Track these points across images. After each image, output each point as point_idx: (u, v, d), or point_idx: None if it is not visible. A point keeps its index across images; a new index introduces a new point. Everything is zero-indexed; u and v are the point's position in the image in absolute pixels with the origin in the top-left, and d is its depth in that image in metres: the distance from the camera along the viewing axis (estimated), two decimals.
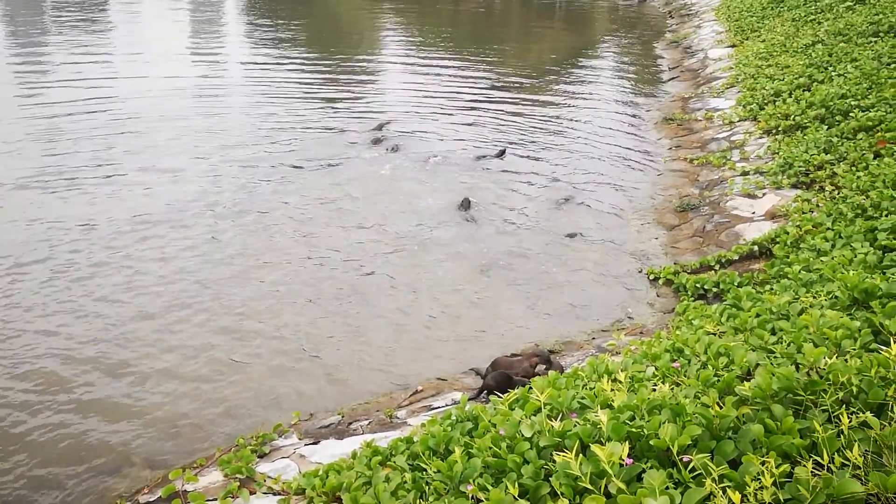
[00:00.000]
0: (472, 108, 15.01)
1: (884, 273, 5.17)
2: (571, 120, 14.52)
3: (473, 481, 3.06)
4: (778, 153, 10.40)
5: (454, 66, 19.48)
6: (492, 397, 4.94)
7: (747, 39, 18.16)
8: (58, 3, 31.65)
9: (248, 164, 11.53)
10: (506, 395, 3.93)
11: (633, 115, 14.90)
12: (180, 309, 7.58)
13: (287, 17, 28.47)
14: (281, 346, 7.06)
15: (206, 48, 22.43)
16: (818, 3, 18.13)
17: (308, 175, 11.23)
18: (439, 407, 5.83)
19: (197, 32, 25.01)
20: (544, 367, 6.14)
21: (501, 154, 12.16)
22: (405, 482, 3.51)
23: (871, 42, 13.31)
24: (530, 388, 3.81)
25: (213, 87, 16.87)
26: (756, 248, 7.96)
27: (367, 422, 5.80)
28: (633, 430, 2.88)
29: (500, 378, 5.92)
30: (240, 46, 23.09)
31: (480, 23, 30.36)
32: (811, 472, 2.44)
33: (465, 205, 10.18)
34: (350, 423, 5.83)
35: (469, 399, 5.24)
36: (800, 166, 9.55)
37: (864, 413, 2.68)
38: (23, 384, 6.36)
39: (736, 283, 7.20)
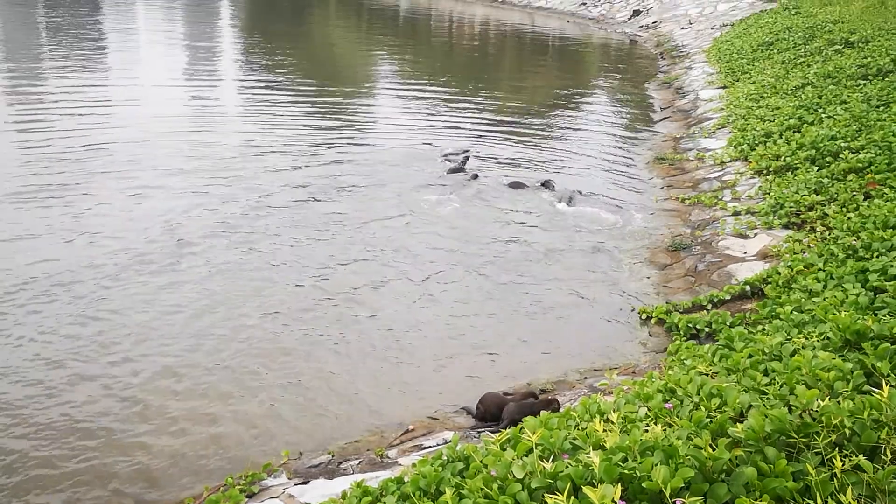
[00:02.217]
0: (455, 151, 15.04)
1: (875, 314, 5.18)
2: (563, 158, 14.63)
3: None
4: (769, 193, 10.48)
5: (445, 104, 19.65)
6: (483, 436, 4.90)
7: (738, 81, 18.40)
8: (52, 26, 31.97)
9: (239, 198, 11.54)
10: (497, 434, 3.89)
11: (625, 155, 15.02)
12: (169, 341, 7.53)
13: (281, 53, 28.72)
14: (271, 382, 7.00)
15: (202, 77, 22.64)
16: (807, 47, 18.42)
17: (309, 205, 11.26)
18: (430, 446, 5.78)
19: (193, 62, 25.23)
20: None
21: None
22: None
23: (859, 85, 13.51)
24: (522, 427, 3.79)
25: (208, 117, 17.10)
26: (748, 288, 7.98)
27: (357, 461, 5.74)
28: (626, 471, 2.85)
29: (525, 409, 5.91)
30: (234, 77, 23.35)
31: (474, 60, 30.71)
32: None
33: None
34: (340, 463, 5.77)
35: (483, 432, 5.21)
36: (791, 207, 9.62)
37: (857, 456, 2.67)
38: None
39: (728, 324, 7.20)
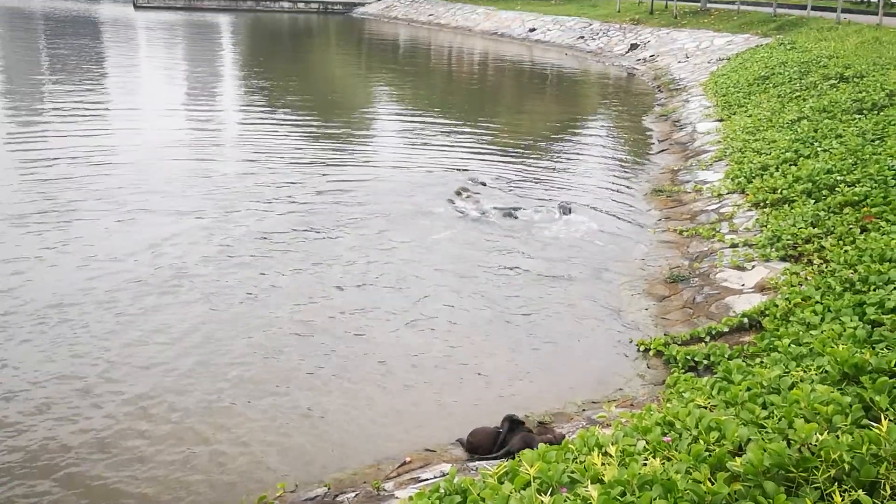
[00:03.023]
0: (454, 181, 15.10)
1: (873, 348, 5.18)
2: (561, 189, 14.67)
3: None
4: (766, 226, 10.51)
5: (443, 134, 19.77)
6: (480, 469, 4.87)
7: (734, 114, 18.54)
8: (54, 55, 32.27)
9: (235, 224, 11.56)
10: (494, 468, 3.87)
11: (623, 186, 15.08)
12: (161, 369, 7.50)
13: (282, 83, 28.97)
14: (266, 412, 6.96)
15: (202, 105, 22.88)
16: (803, 81, 18.59)
17: (306, 233, 11.27)
18: (428, 479, 5.74)
19: (194, 90, 25.44)
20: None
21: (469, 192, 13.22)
22: None
23: (855, 119, 13.61)
24: (520, 461, 3.77)
25: (207, 144, 17.37)
26: (746, 320, 7.98)
27: (353, 494, 5.69)
28: None
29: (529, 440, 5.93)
30: (235, 105, 23.62)
31: (473, 91, 30.96)
32: None
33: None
34: (336, 496, 5.72)
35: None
36: (788, 239, 9.64)
37: (856, 491, 2.66)
38: None
39: (727, 356, 7.18)
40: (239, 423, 6.79)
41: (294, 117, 22.17)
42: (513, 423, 6.52)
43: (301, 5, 74.82)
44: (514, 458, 4.14)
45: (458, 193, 13.47)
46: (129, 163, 15.29)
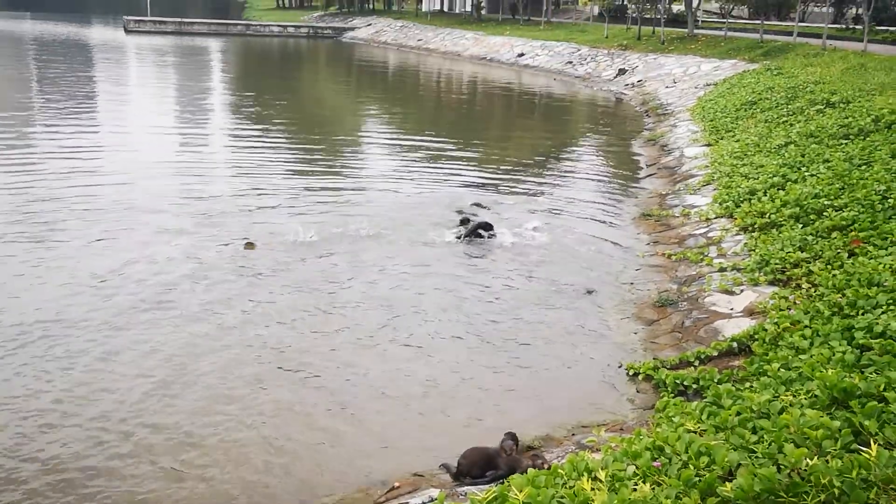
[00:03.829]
0: (445, 206, 15.13)
1: (862, 372, 5.18)
2: (548, 213, 14.70)
3: None
4: (754, 250, 10.55)
5: (430, 159, 19.82)
6: (469, 494, 4.82)
7: (722, 139, 18.68)
8: (45, 78, 32.28)
9: (224, 247, 11.52)
10: (483, 493, 3.83)
11: (612, 210, 15.13)
12: (153, 391, 7.43)
13: (271, 106, 29.04)
14: (254, 437, 6.90)
15: (192, 127, 22.91)
16: (790, 106, 18.77)
17: (294, 258, 11.24)
18: None
19: (183, 113, 25.46)
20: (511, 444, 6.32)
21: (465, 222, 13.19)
22: None
23: (841, 144, 13.74)
24: (509, 485, 3.73)
25: (197, 166, 17.60)
26: (735, 344, 7.97)
27: None
28: None
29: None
30: (224, 127, 23.68)
31: (461, 115, 31.12)
32: None
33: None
34: None
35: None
36: (776, 264, 9.68)
37: None
38: None
39: (716, 380, 7.16)
40: (226, 448, 6.71)
41: (283, 140, 22.24)
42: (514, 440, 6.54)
43: (291, 29, 75.37)
44: (503, 483, 4.11)
45: (445, 218, 13.45)
46: (116, 183, 15.43)
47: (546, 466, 5.60)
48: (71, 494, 5.98)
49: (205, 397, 7.49)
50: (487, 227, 12.94)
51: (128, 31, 65.13)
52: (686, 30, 42.26)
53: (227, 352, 8.45)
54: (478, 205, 14.88)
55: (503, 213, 14.49)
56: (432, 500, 5.51)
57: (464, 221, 13.40)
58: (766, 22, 38.67)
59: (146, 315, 9.25)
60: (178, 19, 70.75)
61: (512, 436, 6.59)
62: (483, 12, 68.54)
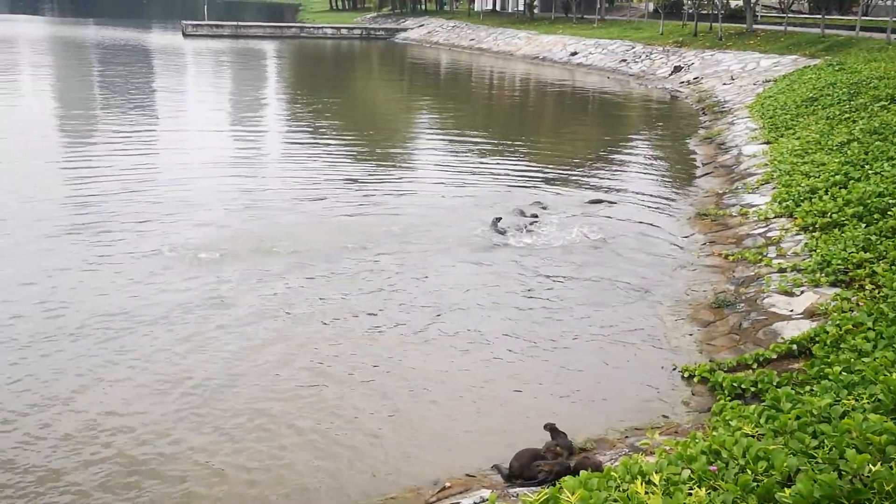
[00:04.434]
0: (494, 204, 15.06)
1: None
2: (603, 211, 14.56)
3: None
4: (815, 250, 10.29)
5: (483, 157, 19.81)
6: (521, 496, 4.80)
7: (782, 136, 18.27)
8: (106, 81, 33.22)
9: (275, 244, 11.69)
10: (535, 495, 3.80)
11: (666, 210, 14.92)
12: (200, 386, 7.57)
13: (324, 105, 29.37)
14: (305, 436, 6.97)
15: (246, 127, 23.53)
16: (852, 103, 18.27)
17: (343, 254, 11.35)
18: None
19: (238, 113, 25.97)
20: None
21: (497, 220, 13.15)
22: None
23: None
24: (560, 488, 3.70)
25: (249, 164, 18.30)
26: (795, 347, 7.78)
27: None
28: None
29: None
30: (278, 127, 24.23)
31: (514, 114, 31.06)
32: None
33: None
34: None
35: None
36: (838, 264, 9.42)
37: None
38: None
39: (775, 384, 7.01)
40: (278, 448, 6.80)
41: (335, 139, 22.50)
42: (553, 433, 6.54)
43: (344, 31, 76.09)
44: (554, 485, 4.08)
45: (498, 218, 13.41)
46: (173, 180, 16.11)
47: (599, 469, 5.56)
48: (115, 492, 6.12)
49: (252, 397, 7.58)
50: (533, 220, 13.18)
51: (186, 36, 66.51)
52: (744, 25, 41.44)
53: (272, 352, 8.55)
54: (537, 203, 14.83)
55: (556, 211, 14.40)
56: (484, 501, 5.51)
57: (499, 217, 13.46)
58: (827, 16, 37.70)
59: (198, 312, 9.42)
60: (235, 23, 72.01)
61: (552, 427, 6.58)
62: (536, 11, 68.22)
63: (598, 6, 60.23)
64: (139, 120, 24.56)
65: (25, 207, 13.59)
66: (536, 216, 13.62)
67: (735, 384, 7.42)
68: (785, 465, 3.44)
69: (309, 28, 77.23)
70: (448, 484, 6.26)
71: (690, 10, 46.80)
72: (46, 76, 37.26)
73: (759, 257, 10.99)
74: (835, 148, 14.77)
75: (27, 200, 14.03)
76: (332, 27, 77.77)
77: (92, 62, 45.07)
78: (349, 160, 19.51)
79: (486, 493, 5.78)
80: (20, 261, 10.94)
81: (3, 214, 13.10)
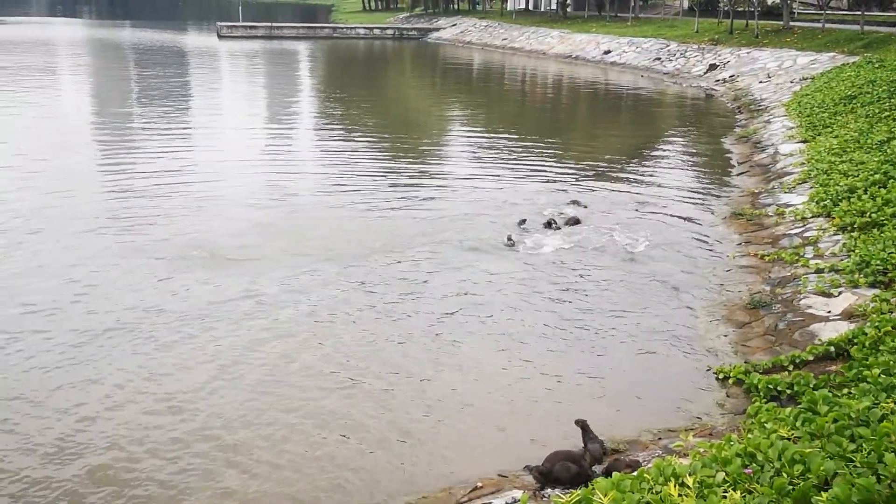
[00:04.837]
0: (529, 203, 15.05)
1: None
2: (637, 211, 14.46)
3: None
4: (854, 251, 10.12)
5: (516, 157, 19.75)
6: (552, 497, 4.79)
7: (819, 135, 17.99)
8: (143, 80, 33.72)
9: (304, 243, 11.78)
10: (567, 496, 3.79)
11: (702, 209, 14.77)
12: (237, 385, 7.65)
13: (357, 105, 29.52)
14: (339, 435, 7.02)
15: (279, 126, 23.89)
16: (892, 101, 17.94)
17: (373, 255, 11.39)
18: None
19: (272, 113, 26.22)
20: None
21: (522, 222, 13.31)
22: None
23: None
24: (593, 489, 3.69)
25: (280, 163, 18.61)
26: (832, 348, 7.66)
27: None
28: None
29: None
30: (312, 125, 24.60)
31: (547, 113, 30.96)
32: None
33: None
34: None
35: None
36: (877, 265, 9.25)
37: None
38: None
39: (811, 386, 6.91)
40: (311, 446, 6.85)
41: (367, 137, 22.65)
42: (584, 430, 6.55)
43: (377, 31, 76.36)
44: (586, 486, 4.06)
45: (523, 220, 13.39)
46: (208, 178, 16.54)
47: (634, 467, 5.52)
48: (147, 485, 6.22)
49: (287, 396, 7.66)
50: (575, 222, 13.28)
51: (220, 37, 67.21)
52: (781, 22, 40.87)
53: (307, 351, 8.63)
54: (575, 202, 14.80)
55: (591, 210, 14.32)
56: (515, 502, 5.50)
57: (524, 220, 13.47)
58: (866, 13, 37.02)
59: (233, 308, 9.53)
60: (269, 24, 72.62)
61: (583, 424, 6.55)
62: (568, 10, 67.87)
63: (632, 4, 59.71)
64: (176, 119, 25.00)
65: (65, 203, 14.05)
66: (573, 216, 13.63)
67: (771, 386, 7.33)
68: (822, 468, 3.39)
69: (342, 28, 77.64)
70: (480, 484, 6.26)
71: (726, 8, 46.21)
72: (85, 78, 37.96)
73: (796, 258, 10.83)
74: (874, 146, 14.52)
75: (67, 196, 14.58)
76: (364, 27, 78.11)
77: (129, 64, 45.78)
78: (383, 159, 19.67)
79: (518, 494, 5.78)
80: (57, 256, 11.25)
81: (43, 210, 13.51)
